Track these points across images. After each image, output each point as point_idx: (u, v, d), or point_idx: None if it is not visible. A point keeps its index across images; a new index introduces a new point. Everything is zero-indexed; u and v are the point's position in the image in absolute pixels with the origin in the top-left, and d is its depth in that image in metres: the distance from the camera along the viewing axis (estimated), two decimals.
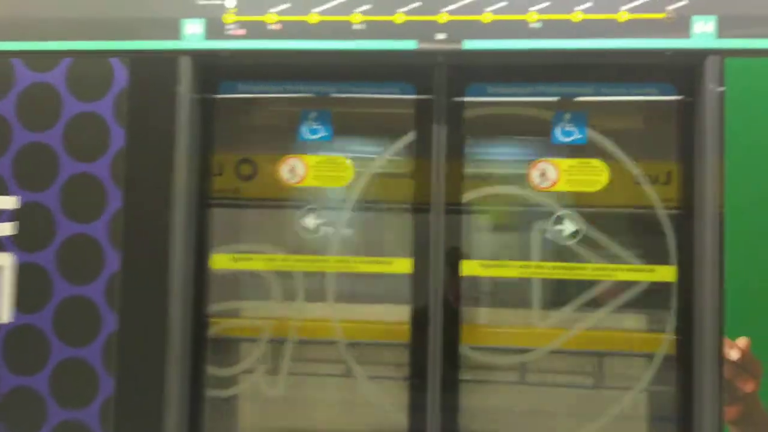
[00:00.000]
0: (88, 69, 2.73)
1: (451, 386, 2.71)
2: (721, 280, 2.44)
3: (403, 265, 2.75)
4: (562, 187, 2.73)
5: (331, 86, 2.85)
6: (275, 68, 2.83)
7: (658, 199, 2.73)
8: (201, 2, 2.71)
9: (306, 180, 2.84)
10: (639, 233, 2.83)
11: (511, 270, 2.78)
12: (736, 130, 2.47)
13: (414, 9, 2.62)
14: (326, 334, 2.91)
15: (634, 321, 2.88)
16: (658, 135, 2.83)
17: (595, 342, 2.87)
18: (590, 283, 2.80)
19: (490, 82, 2.76)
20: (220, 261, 2.85)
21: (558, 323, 2.88)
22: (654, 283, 2.71)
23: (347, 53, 2.66)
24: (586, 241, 2.77)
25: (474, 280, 2.88)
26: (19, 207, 2.74)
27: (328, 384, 3.05)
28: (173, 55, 2.70)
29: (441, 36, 2.62)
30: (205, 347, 2.83)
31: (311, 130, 2.86)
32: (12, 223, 2.74)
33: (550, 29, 2.57)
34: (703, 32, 2.52)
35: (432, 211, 2.72)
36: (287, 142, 2.93)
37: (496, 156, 3.01)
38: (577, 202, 2.77)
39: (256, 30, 2.69)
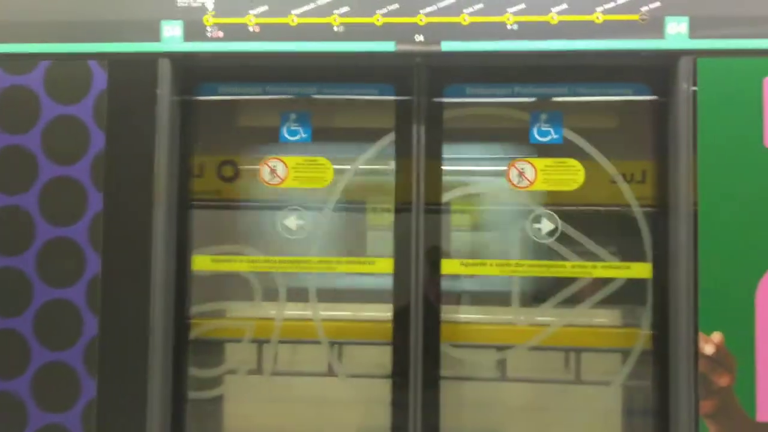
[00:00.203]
0: (67, 71, 2.72)
1: (432, 383, 2.73)
2: (696, 277, 2.49)
3: (385, 265, 2.77)
4: (540, 186, 2.77)
5: (310, 88, 2.86)
6: (255, 70, 2.84)
7: (633, 197, 2.78)
8: (180, 4, 2.71)
9: (287, 181, 2.85)
10: (615, 231, 2.88)
11: (490, 268, 2.81)
12: (709, 129, 2.52)
13: (392, 11, 2.65)
14: (308, 334, 2.92)
15: (611, 317, 2.92)
16: (633, 134, 2.87)
17: (573, 338, 2.91)
18: (569, 281, 2.84)
19: (468, 83, 2.79)
20: (201, 262, 2.86)
21: (537, 320, 2.92)
22: (630, 280, 2.76)
23: (326, 55, 2.68)
24: (564, 239, 2.81)
25: (454, 278, 2.91)
26: None
27: (312, 383, 3.06)
28: (152, 58, 2.70)
29: (419, 38, 2.64)
30: (187, 349, 2.83)
31: (291, 132, 2.88)
32: None
33: (526, 31, 2.60)
34: (677, 33, 2.57)
35: (412, 210, 2.74)
36: (268, 143, 2.94)
37: (474, 156, 3.04)
38: (555, 200, 2.81)
39: (236, 32, 2.69)
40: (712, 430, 2.47)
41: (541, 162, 2.77)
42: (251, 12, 2.69)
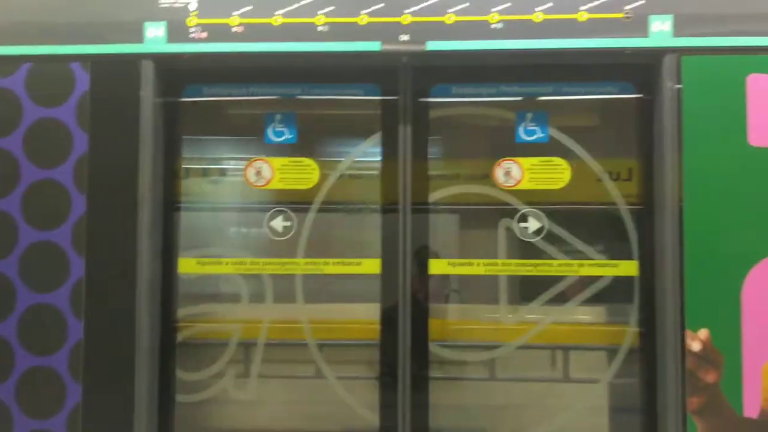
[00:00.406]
0: (49, 74, 2.69)
1: (420, 383, 2.73)
2: (682, 274, 2.50)
3: (372, 266, 2.76)
4: (526, 185, 2.77)
5: (296, 88, 2.85)
6: (239, 71, 2.82)
7: (619, 195, 2.79)
8: (163, 5, 2.69)
9: (272, 182, 2.84)
10: (602, 229, 2.88)
11: (477, 268, 2.81)
12: (694, 126, 2.53)
13: (377, 11, 2.64)
14: (296, 335, 2.91)
15: (598, 315, 2.93)
16: (618, 133, 2.88)
17: (561, 336, 2.92)
18: (556, 279, 2.84)
19: (454, 83, 2.79)
20: (187, 265, 2.84)
21: (525, 319, 2.92)
22: (617, 278, 2.76)
23: (311, 55, 2.67)
24: (551, 238, 2.81)
25: (442, 278, 2.91)
26: None
27: (299, 385, 3.05)
28: (135, 59, 2.68)
29: (405, 37, 2.63)
30: (174, 352, 2.81)
31: (276, 133, 2.86)
32: None
33: (511, 30, 2.60)
34: (661, 31, 2.57)
35: (399, 211, 2.73)
36: (253, 144, 2.92)
37: (460, 155, 3.04)
38: (541, 199, 2.81)
39: (219, 33, 2.68)
40: (700, 426, 2.48)
41: (527, 161, 2.77)
42: (235, 12, 2.67)
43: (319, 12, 2.65)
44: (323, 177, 2.87)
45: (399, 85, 2.76)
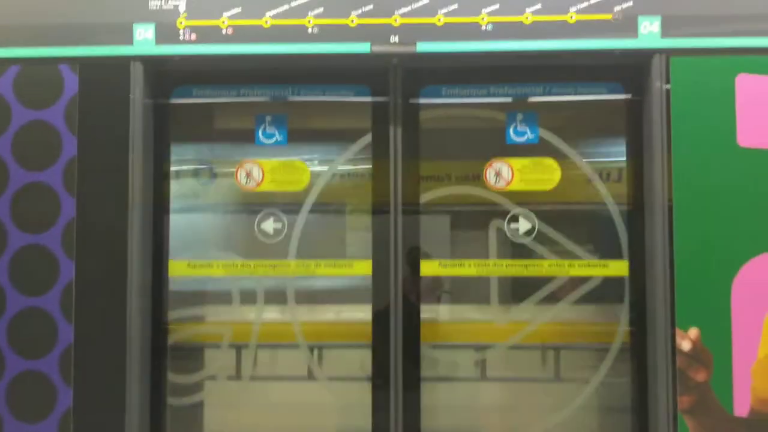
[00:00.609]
0: (37, 76, 2.67)
1: (412, 385, 2.73)
2: (672, 273, 2.52)
3: (364, 267, 2.76)
4: (517, 186, 2.78)
5: (286, 90, 2.84)
6: (229, 72, 2.82)
7: (609, 195, 2.80)
8: (152, 7, 2.68)
9: (263, 184, 2.83)
10: (592, 229, 2.89)
11: (468, 269, 2.81)
12: (683, 126, 2.54)
13: (367, 12, 2.64)
14: (287, 337, 2.91)
15: (588, 315, 2.94)
16: (608, 133, 2.90)
17: (551, 336, 2.93)
18: (547, 279, 2.85)
19: (444, 84, 2.79)
20: (178, 268, 2.83)
21: (516, 319, 2.93)
22: (608, 278, 2.77)
23: (301, 57, 2.66)
24: (542, 238, 2.82)
25: (433, 279, 2.91)
26: None
27: (292, 387, 3.05)
28: (124, 61, 2.67)
29: (395, 39, 2.63)
30: (165, 355, 2.81)
31: (267, 134, 2.86)
32: None
33: (501, 31, 2.60)
34: (649, 32, 2.58)
35: (390, 212, 2.73)
36: (244, 146, 2.92)
37: (451, 156, 3.04)
38: (532, 200, 2.81)
39: (209, 34, 2.67)
40: (690, 425, 2.49)
41: (517, 162, 2.78)
42: (224, 14, 2.66)
43: (309, 13, 2.65)
44: (314, 179, 2.86)
45: (389, 86, 2.76)
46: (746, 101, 2.53)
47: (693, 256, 2.51)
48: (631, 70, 2.69)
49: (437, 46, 2.62)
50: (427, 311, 2.84)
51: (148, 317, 2.72)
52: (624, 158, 2.77)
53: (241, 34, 2.66)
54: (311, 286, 2.94)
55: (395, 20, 2.63)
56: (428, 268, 2.79)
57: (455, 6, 2.62)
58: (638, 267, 2.68)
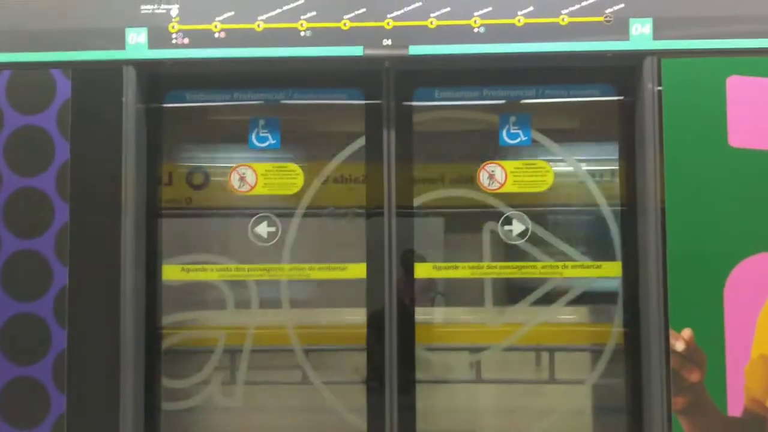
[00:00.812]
0: (30, 81, 2.67)
1: (407, 387, 2.73)
2: (665, 274, 2.52)
3: (358, 270, 2.76)
4: (510, 188, 2.78)
5: (279, 93, 2.84)
6: (222, 76, 2.82)
7: (602, 197, 2.81)
8: (144, 11, 2.68)
9: (257, 188, 2.83)
10: (585, 231, 2.90)
11: (462, 271, 2.81)
12: (675, 128, 2.55)
13: (359, 15, 2.64)
14: (282, 341, 2.90)
15: (582, 316, 2.95)
16: (600, 135, 2.90)
17: (545, 338, 2.93)
18: (541, 281, 2.86)
19: (437, 87, 2.80)
20: (171, 272, 2.82)
21: (510, 320, 2.93)
22: (601, 279, 2.78)
23: (294, 60, 2.66)
24: (535, 240, 2.82)
25: (428, 281, 2.92)
26: None
27: (286, 391, 3.04)
28: (117, 65, 2.67)
29: (387, 42, 2.64)
30: (159, 360, 2.80)
31: (260, 138, 2.86)
32: None
33: (493, 33, 2.61)
34: (641, 34, 2.59)
35: (384, 215, 2.74)
36: (237, 150, 2.91)
37: (444, 159, 3.04)
38: (525, 202, 2.82)
39: (201, 38, 2.67)
40: (685, 425, 2.50)
41: (511, 164, 2.78)
42: (217, 18, 2.67)
43: (302, 17, 2.65)
44: (307, 182, 2.86)
45: (382, 89, 2.76)
46: (737, 102, 2.54)
47: (686, 256, 2.52)
48: (622, 71, 2.70)
49: (430, 48, 2.63)
50: (421, 314, 2.84)
51: (142, 322, 2.71)
52: (616, 159, 2.78)
53: (233, 38, 2.66)
54: (305, 289, 2.93)
55: (388, 23, 2.63)
56: (422, 270, 2.79)
57: (447, 9, 2.62)
58: (631, 268, 2.69)
